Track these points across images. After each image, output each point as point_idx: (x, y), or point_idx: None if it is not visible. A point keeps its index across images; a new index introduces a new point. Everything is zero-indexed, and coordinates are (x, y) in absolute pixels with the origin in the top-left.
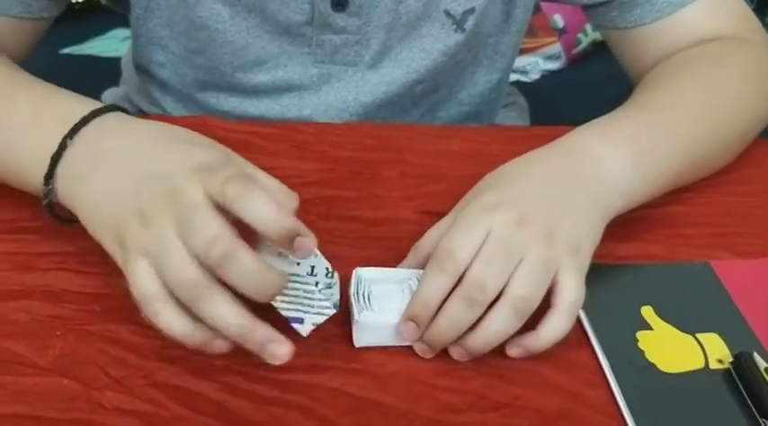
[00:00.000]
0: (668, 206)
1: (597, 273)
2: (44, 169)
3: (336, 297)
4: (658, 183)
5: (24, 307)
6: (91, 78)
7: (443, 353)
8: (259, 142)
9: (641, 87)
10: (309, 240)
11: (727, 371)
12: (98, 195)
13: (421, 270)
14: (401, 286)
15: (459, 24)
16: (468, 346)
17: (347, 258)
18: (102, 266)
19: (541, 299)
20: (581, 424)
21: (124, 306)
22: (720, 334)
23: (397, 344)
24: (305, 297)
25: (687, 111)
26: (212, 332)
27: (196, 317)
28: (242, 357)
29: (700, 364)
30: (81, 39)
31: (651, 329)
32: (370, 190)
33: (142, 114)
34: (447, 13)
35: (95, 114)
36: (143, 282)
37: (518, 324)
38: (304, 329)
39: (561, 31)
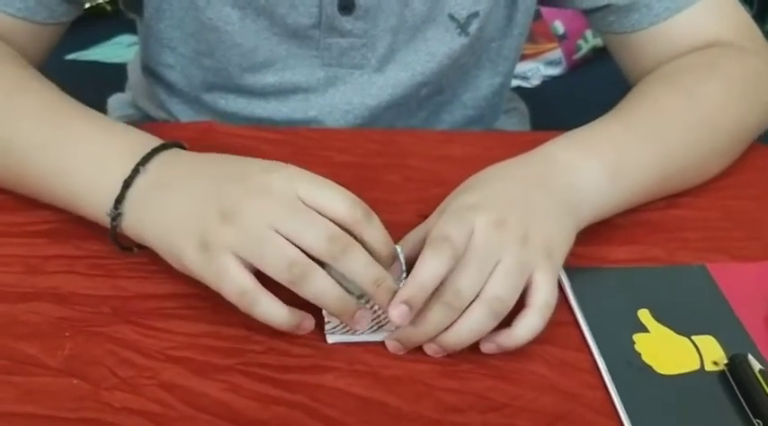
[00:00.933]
0: (666, 209)
1: (595, 276)
2: (111, 196)
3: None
4: (630, 195)
5: (34, 309)
6: (96, 84)
7: (446, 356)
8: (264, 147)
9: (626, 98)
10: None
11: (722, 373)
12: (170, 212)
13: None
14: None
15: (463, 28)
16: (444, 343)
17: None
18: (109, 269)
19: (516, 300)
20: (579, 424)
21: (130, 309)
22: (716, 337)
23: (367, 339)
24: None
25: (665, 125)
26: (304, 312)
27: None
28: (246, 356)
29: (695, 366)
30: (86, 46)
31: (648, 331)
32: (374, 195)
33: (149, 119)
34: (451, 17)
35: (163, 148)
36: (236, 277)
37: (493, 324)
38: (332, 337)
39: (562, 38)
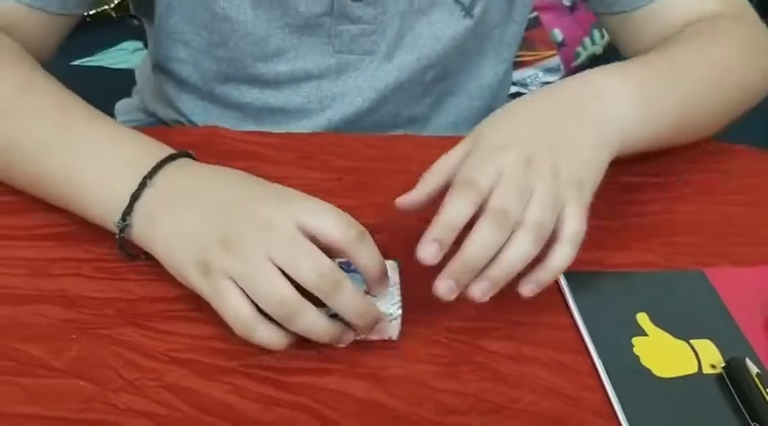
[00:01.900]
0: (663, 215)
1: (594, 280)
2: (118, 207)
3: (396, 330)
4: (658, 128)
5: (40, 311)
6: (102, 89)
7: (442, 357)
8: (267, 152)
9: (646, 53)
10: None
11: (719, 376)
12: (176, 229)
13: None
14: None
15: (467, 10)
16: (492, 275)
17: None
18: (114, 272)
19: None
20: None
21: (135, 311)
22: (713, 340)
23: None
24: None
25: (686, 72)
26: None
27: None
28: (249, 358)
29: (693, 369)
30: (91, 52)
31: (646, 335)
32: (374, 199)
33: (158, 122)
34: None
35: (171, 159)
36: (234, 304)
37: (536, 250)
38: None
39: (560, 45)
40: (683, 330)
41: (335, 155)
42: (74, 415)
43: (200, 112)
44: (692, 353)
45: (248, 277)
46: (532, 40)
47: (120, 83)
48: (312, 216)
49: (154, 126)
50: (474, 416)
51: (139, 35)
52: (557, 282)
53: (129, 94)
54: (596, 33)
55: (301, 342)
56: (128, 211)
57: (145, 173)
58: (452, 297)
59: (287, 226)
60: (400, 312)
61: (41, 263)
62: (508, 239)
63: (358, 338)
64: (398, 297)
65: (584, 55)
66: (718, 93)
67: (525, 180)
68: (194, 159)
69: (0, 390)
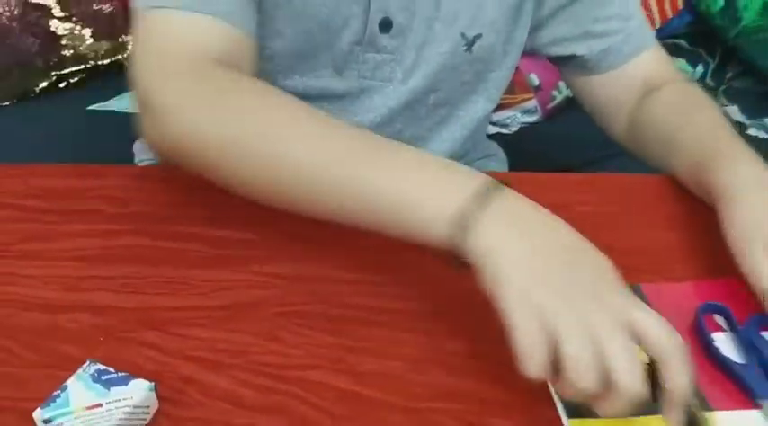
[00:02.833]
0: (607, 240)
1: None
2: (450, 225)
3: None
4: None
5: (74, 319)
6: (118, 131)
7: (411, 351)
8: None
9: (663, 117)
10: None
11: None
12: (514, 254)
13: None
14: None
15: (469, 45)
16: None
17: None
18: (136, 287)
19: None
20: (541, 412)
21: (154, 318)
22: None
23: None
24: None
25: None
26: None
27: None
28: (249, 356)
29: None
30: (106, 97)
31: None
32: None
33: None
34: (462, 35)
35: (497, 185)
36: (537, 349)
37: None
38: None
39: (537, 88)
40: None
41: None
42: None
43: None
44: None
45: (572, 337)
46: (512, 85)
47: (134, 125)
48: (645, 316)
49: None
50: (440, 402)
51: None
52: None
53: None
54: None
55: (290, 343)
56: (468, 224)
57: (479, 191)
58: None
59: (621, 317)
60: None
61: (73, 280)
62: None
63: None
64: None
65: (559, 97)
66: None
67: None
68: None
69: (44, 383)
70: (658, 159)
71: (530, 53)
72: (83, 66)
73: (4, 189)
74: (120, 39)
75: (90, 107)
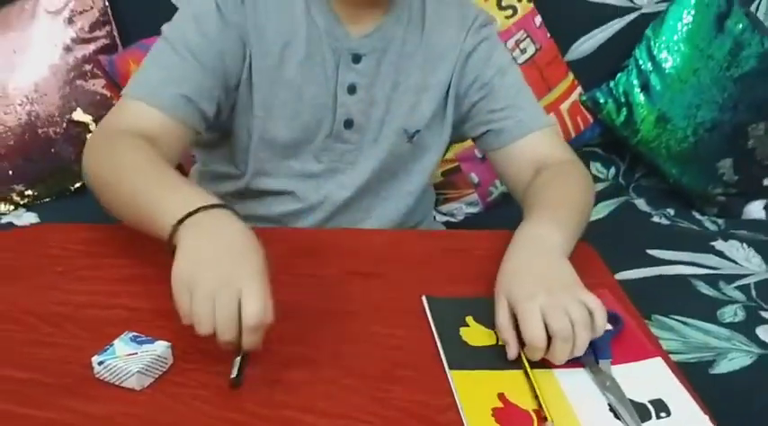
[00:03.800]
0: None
1: (447, 302)
2: (170, 227)
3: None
4: (572, 242)
5: (116, 316)
6: None
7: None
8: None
9: (532, 194)
10: None
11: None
12: (186, 260)
13: None
14: None
15: (410, 138)
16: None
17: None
18: (150, 294)
19: None
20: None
21: (167, 313)
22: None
23: None
24: None
25: (571, 207)
26: None
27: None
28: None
29: (492, 341)
30: None
31: (468, 326)
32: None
33: None
34: (405, 130)
35: (206, 208)
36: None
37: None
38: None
39: (477, 185)
40: (491, 325)
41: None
42: None
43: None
44: (494, 335)
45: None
46: (456, 182)
47: None
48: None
49: None
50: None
51: None
52: (421, 302)
53: None
54: None
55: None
56: (174, 230)
57: (191, 210)
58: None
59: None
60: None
61: (111, 291)
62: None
63: None
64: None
65: (495, 193)
66: (586, 212)
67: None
68: (227, 209)
69: (98, 347)
70: None
71: (458, 140)
72: None
73: (60, 237)
74: None
75: None
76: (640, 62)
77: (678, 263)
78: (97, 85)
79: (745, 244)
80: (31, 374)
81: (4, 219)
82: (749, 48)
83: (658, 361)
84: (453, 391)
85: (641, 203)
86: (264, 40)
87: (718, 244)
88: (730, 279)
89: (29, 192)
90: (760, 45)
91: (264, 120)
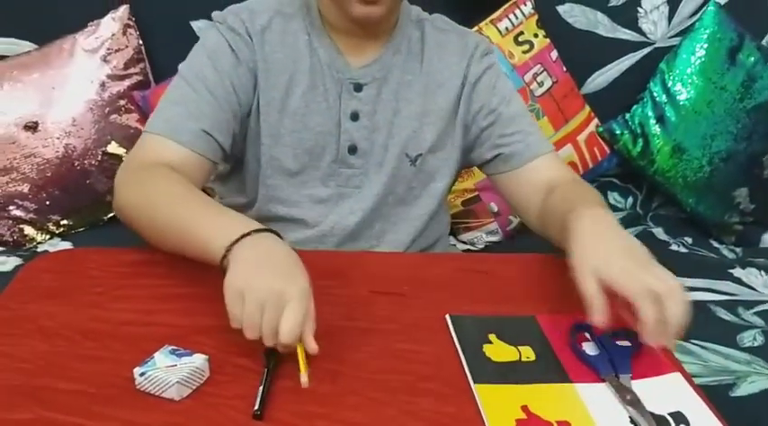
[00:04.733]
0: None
1: (471, 320)
2: (223, 249)
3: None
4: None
5: (155, 332)
6: None
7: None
8: None
9: (560, 202)
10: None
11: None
12: (241, 270)
13: None
14: None
15: (413, 161)
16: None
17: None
18: (188, 311)
19: None
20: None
21: (203, 329)
22: (532, 347)
23: None
24: None
25: (602, 203)
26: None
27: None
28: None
29: (515, 357)
30: None
31: (491, 343)
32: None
33: None
34: (407, 154)
35: (257, 231)
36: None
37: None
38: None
39: (497, 214)
40: (514, 342)
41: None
42: None
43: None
44: (516, 351)
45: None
46: (476, 211)
47: None
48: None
49: None
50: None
51: None
52: (445, 321)
53: None
54: None
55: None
56: (228, 250)
57: (245, 232)
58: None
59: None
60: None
61: (149, 309)
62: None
63: None
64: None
65: (515, 222)
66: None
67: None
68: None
69: (139, 360)
70: (555, 236)
71: (465, 166)
72: None
73: (99, 259)
74: None
75: None
76: (655, 94)
77: (697, 290)
78: (131, 120)
79: (763, 272)
80: (76, 385)
81: (40, 248)
82: (761, 80)
83: (677, 376)
84: (478, 403)
85: (659, 232)
86: (272, 73)
87: (737, 272)
88: (749, 305)
89: (64, 222)
90: None
91: (271, 147)
